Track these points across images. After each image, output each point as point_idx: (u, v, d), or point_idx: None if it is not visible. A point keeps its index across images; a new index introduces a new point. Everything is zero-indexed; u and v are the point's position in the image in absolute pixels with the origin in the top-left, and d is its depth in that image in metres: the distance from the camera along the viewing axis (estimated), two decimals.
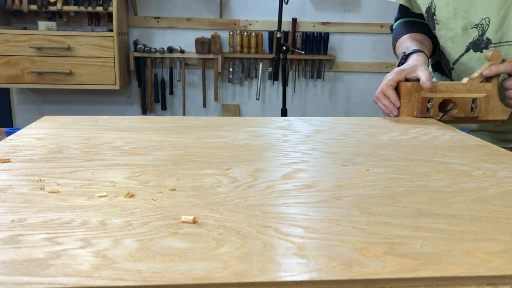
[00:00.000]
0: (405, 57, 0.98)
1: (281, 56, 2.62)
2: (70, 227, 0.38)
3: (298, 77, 3.26)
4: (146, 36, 3.11)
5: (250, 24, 3.13)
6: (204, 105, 3.25)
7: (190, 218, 0.40)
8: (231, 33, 3.07)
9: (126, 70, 3.02)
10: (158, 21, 3.07)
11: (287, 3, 2.58)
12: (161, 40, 3.12)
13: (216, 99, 3.22)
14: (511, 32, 0.90)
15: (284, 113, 2.70)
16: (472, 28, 0.93)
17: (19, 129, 0.74)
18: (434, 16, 0.98)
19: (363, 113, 3.37)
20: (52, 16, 2.95)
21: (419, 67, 0.90)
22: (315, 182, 0.51)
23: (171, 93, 3.19)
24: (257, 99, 3.22)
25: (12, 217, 0.40)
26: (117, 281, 0.30)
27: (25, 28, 2.91)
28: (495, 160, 0.61)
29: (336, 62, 3.24)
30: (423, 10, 1.02)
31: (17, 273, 0.31)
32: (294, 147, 0.66)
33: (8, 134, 0.71)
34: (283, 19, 2.73)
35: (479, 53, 0.94)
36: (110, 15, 2.88)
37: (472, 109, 0.89)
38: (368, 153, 0.63)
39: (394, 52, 1.12)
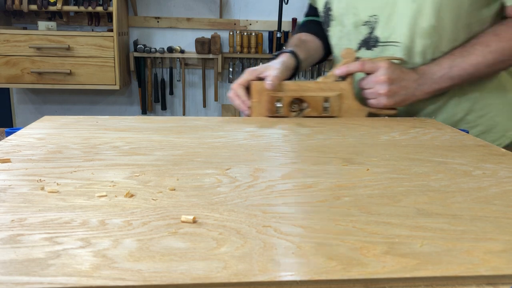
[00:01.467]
0: (275, 58, 0.96)
1: None
2: (70, 227, 0.38)
3: (298, 77, 3.25)
4: (146, 36, 3.11)
5: (250, 24, 3.13)
6: (204, 105, 3.25)
7: (190, 218, 0.40)
8: (231, 33, 3.07)
9: (126, 70, 3.01)
10: (158, 21, 3.07)
11: (287, 3, 2.58)
12: (161, 40, 3.12)
13: (216, 99, 3.22)
14: (397, 31, 0.88)
15: None
16: (362, 25, 0.92)
17: (19, 129, 0.74)
18: (330, 11, 0.96)
19: None
20: (52, 16, 2.95)
21: (271, 67, 0.88)
22: (315, 182, 0.51)
23: (171, 93, 3.19)
24: None
25: (12, 217, 0.40)
26: (117, 281, 0.30)
27: (25, 28, 2.91)
28: (495, 160, 0.61)
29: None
30: (321, 6, 1.00)
31: (17, 273, 0.31)
32: (294, 147, 0.66)
33: (8, 134, 0.71)
34: (283, 19, 2.73)
35: (370, 51, 0.92)
36: (110, 15, 2.88)
37: (325, 108, 0.87)
38: (368, 153, 0.63)
39: None
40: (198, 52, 2.99)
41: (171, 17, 3.08)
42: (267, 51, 3.16)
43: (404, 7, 0.86)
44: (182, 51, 3.03)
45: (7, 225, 0.38)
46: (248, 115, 0.89)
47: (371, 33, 0.91)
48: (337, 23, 0.96)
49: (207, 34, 3.07)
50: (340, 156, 0.61)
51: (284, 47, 1.06)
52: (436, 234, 0.38)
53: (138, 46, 2.98)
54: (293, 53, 0.96)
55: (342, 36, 0.97)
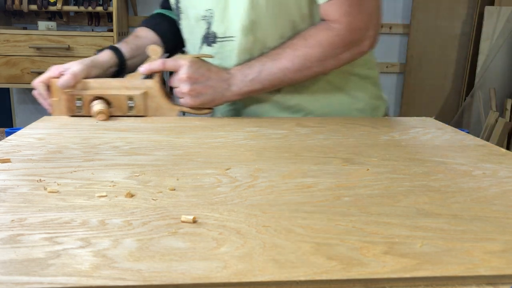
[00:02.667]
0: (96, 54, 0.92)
1: None
2: (70, 227, 0.38)
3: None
4: None
5: None
6: None
7: (190, 218, 0.40)
8: None
9: None
10: None
11: None
12: None
13: None
14: (233, 26, 0.84)
15: None
16: (201, 20, 0.88)
17: (19, 129, 0.74)
18: (179, 4, 0.92)
19: None
20: (52, 16, 2.94)
21: (76, 64, 0.84)
22: (315, 182, 0.51)
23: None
24: None
25: (12, 217, 0.40)
26: (117, 281, 0.30)
27: (25, 28, 2.91)
28: (495, 160, 0.61)
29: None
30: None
31: (17, 273, 0.31)
32: (294, 147, 0.66)
33: (8, 134, 0.71)
34: None
35: (210, 48, 0.88)
36: (110, 15, 2.88)
37: (130, 107, 0.84)
38: (368, 153, 0.63)
39: None
40: None
41: None
42: None
43: (234, 1, 0.82)
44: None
45: (7, 225, 0.38)
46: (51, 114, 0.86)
47: (208, 28, 0.87)
48: (185, 16, 0.92)
49: None
50: (340, 156, 0.61)
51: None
52: (436, 234, 0.38)
53: None
54: (115, 49, 0.91)
55: (190, 31, 0.93)
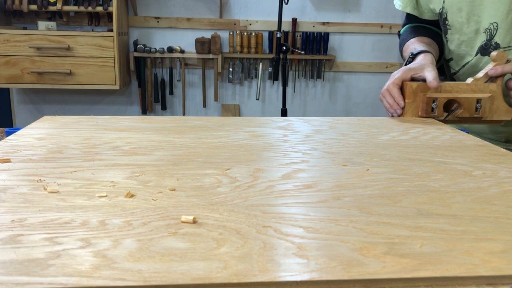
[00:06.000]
0: (413, 57, 0.99)
1: (281, 56, 2.62)
2: (70, 227, 0.38)
3: (298, 77, 3.25)
4: (146, 36, 3.11)
5: (250, 24, 3.12)
6: (204, 105, 3.25)
7: (190, 218, 0.40)
8: (231, 33, 3.06)
9: (126, 70, 3.01)
10: (158, 21, 3.07)
11: (287, 3, 2.58)
12: (161, 40, 3.12)
13: (216, 99, 3.22)
14: None
15: (284, 113, 2.69)
16: (483, 32, 0.95)
17: (19, 129, 0.74)
18: (446, 21, 0.99)
19: (363, 113, 3.37)
20: (52, 16, 2.94)
21: (426, 67, 0.91)
22: (315, 182, 0.51)
23: (171, 93, 3.19)
24: (257, 99, 3.22)
25: (12, 217, 0.40)
26: (117, 281, 0.30)
27: (25, 28, 2.91)
28: (495, 160, 0.61)
29: (336, 62, 3.24)
30: (434, 16, 1.03)
31: (17, 273, 0.31)
32: (294, 147, 0.66)
33: (8, 134, 0.71)
34: (283, 19, 2.73)
35: (487, 57, 0.95)
36: (110, 15, 2.88)
37: (476, 109, 0.90)
38: (368, 153, 0.63)
39: (402, 56, 1.14)
40: (198, 52, 2.99)
41: (171, 17, 3.08)
42: (267, 51, 3.16)
43: None
44: (182, 51, 3.03)
45: (7, 225, 0.38)
46: (399, 115, 0.91)
47: (489, 40, 0.94)
48: (455, 31, 0.99)
49: (207, 34, 3.07)
50: (340, 156, 0.61)
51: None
52: (436, 235, 0.38)
53: (138, 46, 2.98)
54: (431, 53, 0.99)
55: (460, 44, 1.00)
